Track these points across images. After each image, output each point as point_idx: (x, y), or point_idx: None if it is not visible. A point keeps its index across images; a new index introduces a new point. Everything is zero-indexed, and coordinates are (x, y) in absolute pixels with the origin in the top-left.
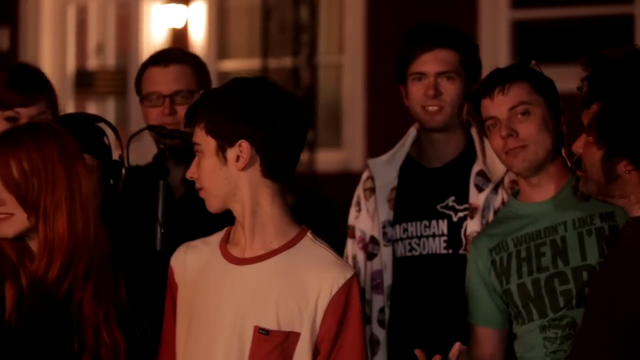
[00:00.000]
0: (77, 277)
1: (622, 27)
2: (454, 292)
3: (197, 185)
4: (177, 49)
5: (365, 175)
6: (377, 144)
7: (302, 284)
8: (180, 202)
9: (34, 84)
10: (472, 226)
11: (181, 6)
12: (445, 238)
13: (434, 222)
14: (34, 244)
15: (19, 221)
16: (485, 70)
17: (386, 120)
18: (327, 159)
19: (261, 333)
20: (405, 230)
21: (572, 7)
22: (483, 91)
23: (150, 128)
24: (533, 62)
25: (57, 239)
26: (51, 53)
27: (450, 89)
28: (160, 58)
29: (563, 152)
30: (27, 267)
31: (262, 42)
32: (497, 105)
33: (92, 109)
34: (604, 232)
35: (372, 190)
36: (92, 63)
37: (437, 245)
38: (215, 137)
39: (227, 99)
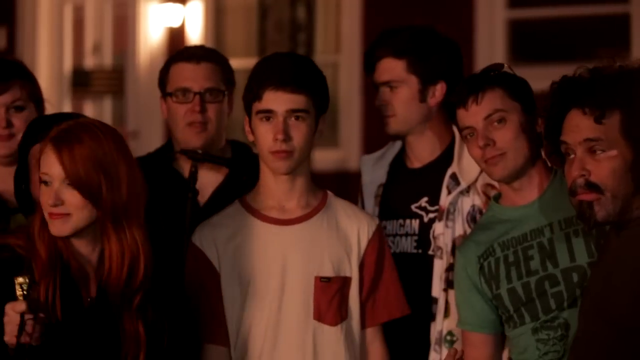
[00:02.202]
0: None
1: (618, 26)
2: (421, 290)
3: None
4: (204, 47)
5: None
6: (373, 143)
7: (344, 233)
8: (206, 208)
9: (4, 71)
10: (438, 228)
11: (178, 5)
12: (416, 238)
13: (407, 222)
14: (80, 243)
15: (75, 221)
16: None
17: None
18: (323, 158)
19: (323, 281)
20: (385, 227)
21: (568, 6)
22: (457, 101)
23: (183, 152)
24: (506, 65)
25: (130, 239)
26: (48, 52)
27: (393, 98)
28: (191, 55)
29: (543, 153)
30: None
31: (259, 41)
32: (472, 115)
33: (88, 108)
34: (591, 231)
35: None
36: (89, 62)
37: (408, 245)
38: None
39: None
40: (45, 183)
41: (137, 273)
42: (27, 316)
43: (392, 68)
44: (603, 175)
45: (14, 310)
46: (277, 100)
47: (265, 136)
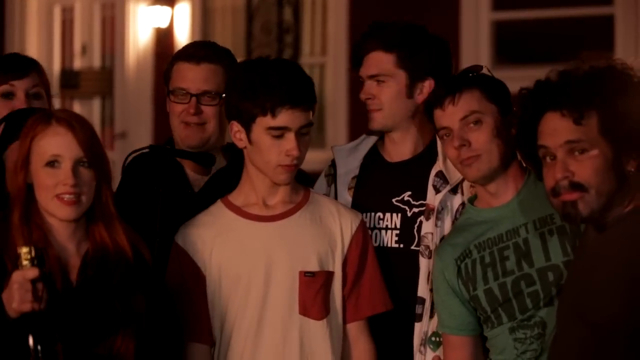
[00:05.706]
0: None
1: (602, 28)
2: (402, 286)
3: None
4: (211, 45)
5: (329, 162)
6: None
7: (327, 229)
8: (200, 195)
9: (23, 59)
10: (427, 227)
11: (166, 7)
12: (397, 232)
13: (387, 215)
14: (63, 232)
15: (85, 203)
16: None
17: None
18: (311, 159)
19: (307, 276)
20: None
21: (552, 8)
22: (434, 102)
23: (152, 147)
24: (484, 67)
25: (117, 227)
26: (37, 53)
27: (380, 92)
28: (193, 54)
29: (518, 154)
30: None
31: (246, 43)
32: (448, 116)
33: (77, 109)
34: (566, 230)
35: (332, 177)
36: (78, 63)
37: (388, 239)
38: None
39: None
40: (52, 164)
41: (122, 262)
42: (38, 283)
43: (381, 61)
44: (587, 174)
45: (24, 278)
46: (294, 119)
47: (276, 150)
